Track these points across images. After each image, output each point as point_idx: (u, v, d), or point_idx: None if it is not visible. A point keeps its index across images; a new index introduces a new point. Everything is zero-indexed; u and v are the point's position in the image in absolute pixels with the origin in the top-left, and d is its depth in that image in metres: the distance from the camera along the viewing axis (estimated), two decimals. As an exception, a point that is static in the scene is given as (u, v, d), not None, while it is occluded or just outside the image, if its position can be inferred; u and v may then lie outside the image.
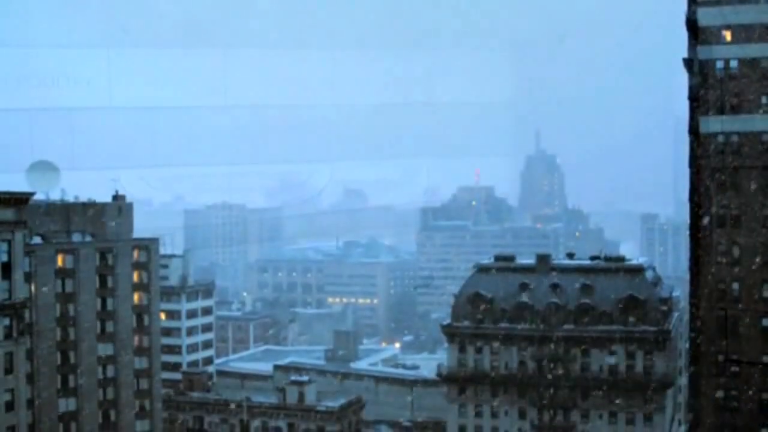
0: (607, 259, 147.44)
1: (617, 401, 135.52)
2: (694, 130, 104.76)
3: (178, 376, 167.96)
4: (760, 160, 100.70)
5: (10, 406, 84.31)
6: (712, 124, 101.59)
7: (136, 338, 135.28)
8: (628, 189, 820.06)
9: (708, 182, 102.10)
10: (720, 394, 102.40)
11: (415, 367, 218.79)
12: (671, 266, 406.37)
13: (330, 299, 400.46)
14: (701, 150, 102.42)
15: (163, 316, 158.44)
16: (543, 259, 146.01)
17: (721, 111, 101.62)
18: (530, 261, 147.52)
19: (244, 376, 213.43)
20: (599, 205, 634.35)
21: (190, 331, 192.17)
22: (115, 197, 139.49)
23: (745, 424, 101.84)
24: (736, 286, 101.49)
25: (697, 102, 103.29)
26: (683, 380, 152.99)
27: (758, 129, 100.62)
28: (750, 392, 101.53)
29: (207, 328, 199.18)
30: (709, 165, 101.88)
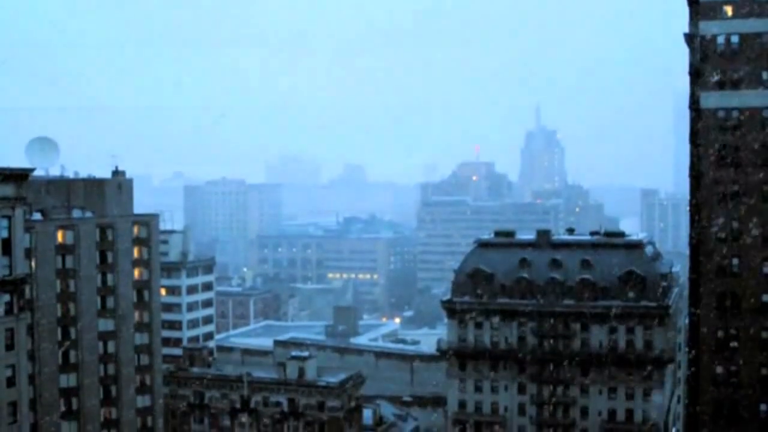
0: (607, 234, 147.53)
1: (617, 376, 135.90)
2: (694, 106, 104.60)
3: (178, 351, 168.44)
4: (761, 136, 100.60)
5: (11, 382, 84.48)
6: (713, 99, 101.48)
7: (137, 314, 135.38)
8: (629, 164, 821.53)
9: (708, 158, 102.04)
10: (720, 369, 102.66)
11: (415, 343, 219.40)
12: (671, 241, 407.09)
13: (330, 275, 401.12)
14: (702, 125, 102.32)
15: (163, 291, 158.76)
16: (543, 234, 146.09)
17: (721, 86, 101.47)
18: (530, 236, 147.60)
19: (244, 352, 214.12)
20: (599, 180, 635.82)
21: (191, 307, 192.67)
22: (115, 173, 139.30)
23: (745, 400, 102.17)
24: (735, 261, 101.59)
25: (697, 77, 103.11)
26: (683, 355, 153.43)
27: (759, 104, 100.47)
28: (750, 368, 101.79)
29: (207, 303, 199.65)
30: (709, 140, 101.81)
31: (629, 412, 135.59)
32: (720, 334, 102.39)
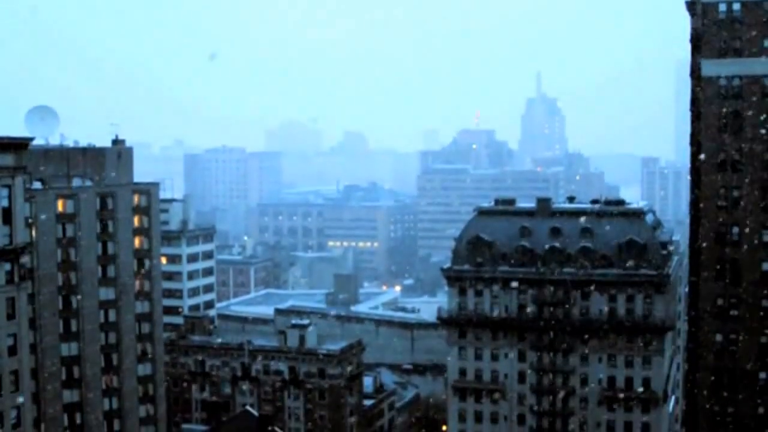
0: (608, 202, 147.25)
1: (616, 344, 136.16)
2: (695, 73, 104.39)
3: (179, 319, 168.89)
4: (762, 103, 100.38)
5: (12, 351, 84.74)
6: (714, 67, 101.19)
7: (137, 282, 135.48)
8: (629, 133, 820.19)
9: (709, 125, 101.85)
10: (719, 337, 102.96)
11: (415, 311, 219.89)
12: (671, 210, 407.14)
13: (330, 243, 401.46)
14: (702, 93, 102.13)
15: (164, 260, 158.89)
16: (543, 202, 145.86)
17: (722, 54, 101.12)
18: (530, 204, 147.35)
19: (245, 320, 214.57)
20: (600, 148, 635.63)
21: (191, 275, 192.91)
22: (115, 141, 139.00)
23: (744, 368, 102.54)
24: (735, 230, 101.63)
25: (698, 45, 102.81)
26: (682, 324, 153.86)
27: (760, 72, 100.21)
28: (749, 336, 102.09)
29: (208, 272, 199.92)
30: (711, 108, 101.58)
31: (629, 380, 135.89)
32: (720, 302, 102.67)
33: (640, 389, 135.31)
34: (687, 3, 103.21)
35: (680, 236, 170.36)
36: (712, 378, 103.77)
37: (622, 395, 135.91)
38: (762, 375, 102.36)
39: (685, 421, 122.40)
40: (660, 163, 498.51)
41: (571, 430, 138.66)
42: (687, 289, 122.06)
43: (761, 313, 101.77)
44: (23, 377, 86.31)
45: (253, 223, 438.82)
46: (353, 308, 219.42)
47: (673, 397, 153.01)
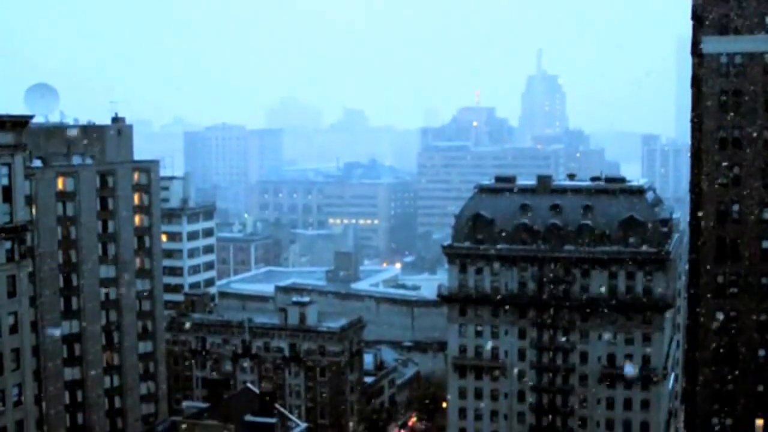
0: (608, 180, 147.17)
1: (616, 322, 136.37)
2: (696, 51, 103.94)
3: (180, 297, 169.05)
4: (763, 81, 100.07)
5: (13, 329, 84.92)
6: (715, 44, 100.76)
7: (138, 260, 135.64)
8: (630, 110, 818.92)
9: (710, 103, 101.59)
10: (719, 315, 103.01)
11: (415, 288, 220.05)
12: (672, 187, 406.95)
13: (331, 220, 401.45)
14: (704, 71, 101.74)
15: (164, 237, 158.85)
16: (544, 180, 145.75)
17: (724, 31, 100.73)
18: (531, 182, 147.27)
19: (245, 297, 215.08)
20: (600, 125, 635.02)
21: (192, 253, 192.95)
22: (115, 119, 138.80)
23: (744, 345, 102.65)
24: (736, 207, 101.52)
25: (700, 22, 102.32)
26: (682, 301, 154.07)
27: (761, 50, 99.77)
28: (749, 313, 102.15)
29: (208, 249, 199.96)
30: (711, 86, 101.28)
31: (629, 357, 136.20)
32: (720, 280, 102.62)
33: (640, 366, 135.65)
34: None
35: (680, 214, 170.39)
36: (712, 355, 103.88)
37: (622, 372, 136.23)
38: (762, 352, 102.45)
39: (685, 399, 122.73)
40: (660, 140, 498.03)
41: (571, 406, 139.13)
42: (687, 267, 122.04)
43: (761, 291, 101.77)
44: (24, 355, 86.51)
45: (254, 200, 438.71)
46: (354, 286, 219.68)
47: (672, 374, 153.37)
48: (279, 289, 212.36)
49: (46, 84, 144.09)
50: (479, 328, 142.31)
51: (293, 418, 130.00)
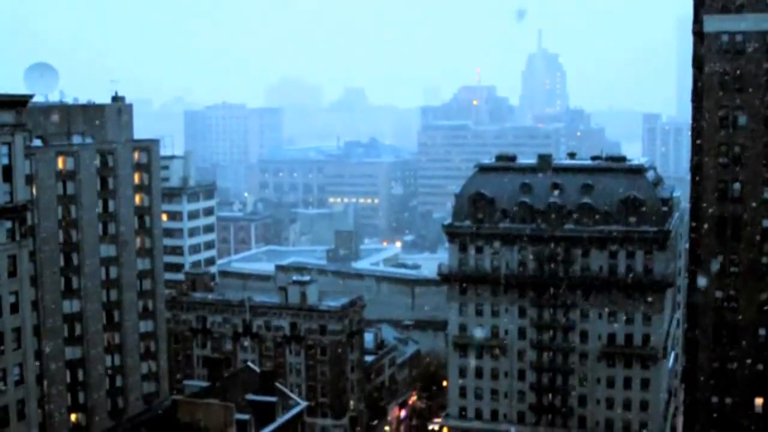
0: (608, 159, 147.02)
1: (616, 301, 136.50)
2: (697, 29, 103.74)
3: (180, 276, 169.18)
4: (764, 60, 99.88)
5: (14, 308, 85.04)
6: (716, 23, 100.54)
7: (138, 239, 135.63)
8: (631, 89, 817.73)
9: (710, 82, 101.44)
10: (719, 294, 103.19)
11: (416, 267, 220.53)
12: (672, 166, 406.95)
13: (331, 199, 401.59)
14: (705, 49, 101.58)
15: (164, 217, 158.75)
16: (544, 158, 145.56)
17: (725, 10, 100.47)
18: (531, 161, 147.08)
19: (246, 276, 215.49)
20: (601, 104, 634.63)
21: (192, 232, 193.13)
22: (115, 98, 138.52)
23: (744, 324, 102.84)
24: (736, 186, 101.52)
25: (701, 0, 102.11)
26: (682, 280, 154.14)
27: (763, 29, 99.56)
28: (749, 293, 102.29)
29: (208, 228, 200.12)
30: (712, 64, 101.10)
31: (629, 336, 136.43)
32: (720, 259, 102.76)
33: (640, 345, 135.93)
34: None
35: (681, 193, 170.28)
36: (712, 334, 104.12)
37: (621, 351, 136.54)
38: (762, 331, 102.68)
39: (685, 377, 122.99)
40: (661, 119, 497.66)
41: (571, 385, 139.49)
42: (687, 246, 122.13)
43: (761, 271, 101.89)
44: (25, 334, 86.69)
45: (254, 179, 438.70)
46: (354, 264, 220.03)
47: (672, 353, 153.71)
48: (279, 268, 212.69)
49: (46, 63, 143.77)
50: (479, 307, 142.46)
51: (294, 396, 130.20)
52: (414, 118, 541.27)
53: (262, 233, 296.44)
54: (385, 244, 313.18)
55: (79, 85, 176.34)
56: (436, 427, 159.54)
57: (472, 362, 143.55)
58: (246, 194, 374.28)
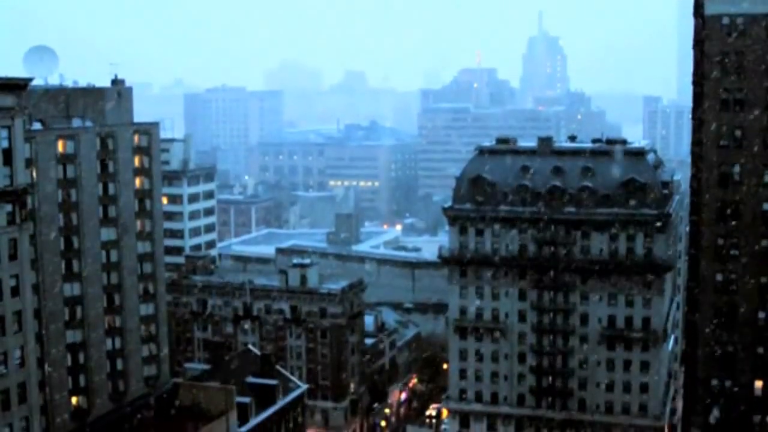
0: (609, 141, 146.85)
1: (617, 283, 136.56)
2: (699, 12, 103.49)
3: (180, 259, 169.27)
4: (765, 42, 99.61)
5: (15, 292, 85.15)
6: (718, 5, 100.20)
7: (139, 223, 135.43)
8: (632, 72, 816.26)
9: (711, 65, 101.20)
10: (719, 277, 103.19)
11: (416, 250, 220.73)
12: (673, 149, 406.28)
13: (331, 182, 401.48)
14: (706, 32, 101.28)
15: (164, 200, 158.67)
16: (544, 141, 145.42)
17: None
18: (532, 144, 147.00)
19: (246, 260, 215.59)
20: (602, 87, 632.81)
21: (192, 215, 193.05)
22: (114, 81, 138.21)
23: (744, 307, 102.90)
24: (737, 169, 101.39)
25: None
26: (683, 263, 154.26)
27: (764, 11, 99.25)
28: (749, 275, 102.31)
29: (209, 211, 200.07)
30: (714, 47, 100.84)
31: (629, 319, 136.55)
32: (720, 242, 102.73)
33: (640, 328, 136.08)
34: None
35: (681, 176, 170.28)
36: (712, 317, 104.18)
37: (621, 334, 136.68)
38: (761, 314, 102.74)
39: (685, 360, 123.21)
40: (662, 102, 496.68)
41: (571, 368, 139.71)
42: (687, 229, 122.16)
43: (761, 253, 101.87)
44: (26, 317, 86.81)
45: (254, 162, 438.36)
46: (354, 247, 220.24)
47: (672, 336, 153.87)
48: (280, 251, 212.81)
49: (46, 46, 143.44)
50: (480, 290, 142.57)
51: (294, 379, 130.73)
52: (414, 101, 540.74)
53: (262, 216, 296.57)
54: (385, 227, 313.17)
55: (78, 68, 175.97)
56: (434, 413, 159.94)
57: (472, 345, 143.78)
58: (246, 177, 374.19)
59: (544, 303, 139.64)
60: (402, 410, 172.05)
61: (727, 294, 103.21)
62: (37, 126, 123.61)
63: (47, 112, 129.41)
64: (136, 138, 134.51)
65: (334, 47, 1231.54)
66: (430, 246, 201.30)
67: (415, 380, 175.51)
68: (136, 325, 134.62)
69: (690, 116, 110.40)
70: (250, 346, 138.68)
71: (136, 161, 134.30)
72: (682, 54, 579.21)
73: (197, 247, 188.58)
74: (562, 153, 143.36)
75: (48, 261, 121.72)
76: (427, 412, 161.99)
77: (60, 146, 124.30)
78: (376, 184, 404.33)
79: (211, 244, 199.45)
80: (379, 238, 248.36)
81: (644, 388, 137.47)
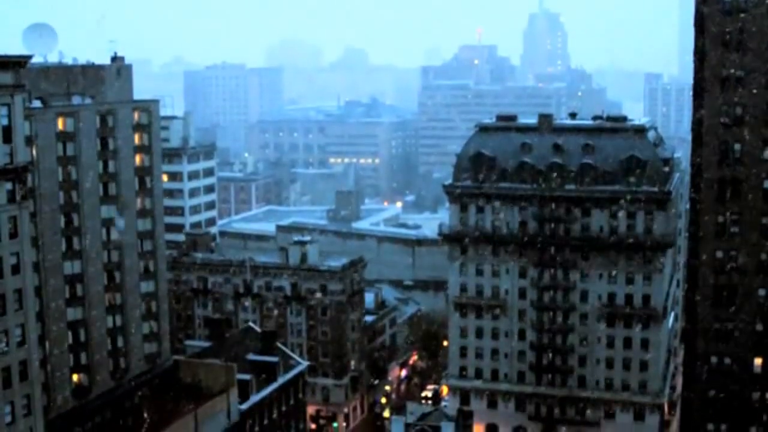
0: (610, 119, 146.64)
1: (617, 261, 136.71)
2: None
3: (181, 237, 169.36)
4: (766, 20, 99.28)
5: (15, 270, 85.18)
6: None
7: (139, 200, 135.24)
8: (633, 49, 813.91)
9: (712, 42, 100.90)
10: (719, 254, 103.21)
11: (416, 227, 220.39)
12: (674, 126, 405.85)
13: (332, 159, 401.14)
14: (707, 9, 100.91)
15: (165, 177, 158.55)
16: (545, 118, 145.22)
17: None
18: (532, 121, 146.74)
19: (246, 237, 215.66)
20: (603, 64, 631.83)
21: (192, 193, 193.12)
22: (114, 59, 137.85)
23: (743, 285, 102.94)
24: (737, 146, 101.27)
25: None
26: (683, 241, 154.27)
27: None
28: (749, 253, 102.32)
29: (209, 189, 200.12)
30: (715, 24, 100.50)
31: (629, 297, 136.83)
32: (720, 219, 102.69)
33: (640, 305, 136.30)
34: None
35: (682, 153, 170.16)
36: (712, 294, 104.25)
37: (622, 311, 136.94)
38: (761, 292, 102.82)
39: (684, 337, 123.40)
40: (663, 79, 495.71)
41: (571, 345, 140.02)
42: (688, 206, 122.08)
43: (761, 231, 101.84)
44: (27, 295, 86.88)
45: (254, 139, 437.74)
46: (354, 225, 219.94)
47: (672, 314, 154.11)
48: (280, 228, 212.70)
49: (45, 23, 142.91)
50: (480, 267, 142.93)
51: (295, 356, 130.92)
52: (414, 78, 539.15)
53: (262, 193, 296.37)
54: (385, 204, 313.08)
55: (78, 45, 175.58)
56: (430, 394, 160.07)
57: (472, 322, 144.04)
58: (246, 154, 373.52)
59: (544, 280, 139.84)
60: (402, 387, 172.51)
61: (726, 271, 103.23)
62: (36, 104, 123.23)
63: (47, 89, 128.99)
64: (136, 115, 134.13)
65: (334, 24, 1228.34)
66: (431, 223, 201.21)
67: (415, 357, 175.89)
68: (137, 302, 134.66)
69: (690, 93, 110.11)
70: (251, 324, 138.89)
71: (136, 139, 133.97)
72: (683, 31, 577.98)
73: (197, 225, 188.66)
74: (562, 130, 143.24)
75: (48, 239, 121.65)
76: (423, 393, 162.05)
77: (60, 124, 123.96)
78: (377, 161, 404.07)
79: (211, 222, 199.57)
80: (380, 215, 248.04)
81: (644, 365, 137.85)
